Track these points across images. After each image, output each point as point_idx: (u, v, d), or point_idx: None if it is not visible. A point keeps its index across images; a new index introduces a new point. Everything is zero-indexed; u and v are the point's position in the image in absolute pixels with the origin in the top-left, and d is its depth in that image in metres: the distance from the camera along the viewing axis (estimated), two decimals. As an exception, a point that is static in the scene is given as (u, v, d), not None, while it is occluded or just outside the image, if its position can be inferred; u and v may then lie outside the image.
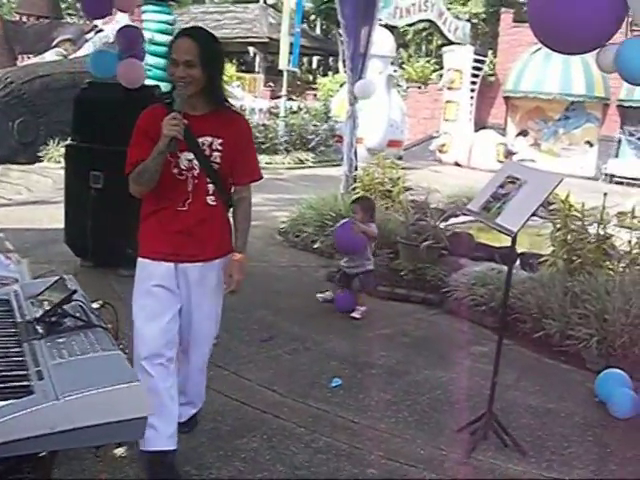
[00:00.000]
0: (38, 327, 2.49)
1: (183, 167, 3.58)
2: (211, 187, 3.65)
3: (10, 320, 2.65)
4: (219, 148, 3.61)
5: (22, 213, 10.73)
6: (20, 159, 15.81)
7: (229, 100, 3.84)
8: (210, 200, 3.66)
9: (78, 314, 2.53)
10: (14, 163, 15.70)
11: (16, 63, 21.69)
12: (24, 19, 28.49)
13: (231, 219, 3.87)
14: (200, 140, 3.59)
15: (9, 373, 2.20)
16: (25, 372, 2.20)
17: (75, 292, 2.56)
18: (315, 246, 8.78)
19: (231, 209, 3.85)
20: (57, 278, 2.77)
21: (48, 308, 2.51)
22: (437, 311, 6.95)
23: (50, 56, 20.41)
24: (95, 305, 2.70)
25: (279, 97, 22.15)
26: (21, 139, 16.09)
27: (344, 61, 10.78)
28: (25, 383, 2.13)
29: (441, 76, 24.30)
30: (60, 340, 2.36)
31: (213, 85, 3.60)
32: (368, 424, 4.45)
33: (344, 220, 6.78)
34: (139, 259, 3.72)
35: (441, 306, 7.00)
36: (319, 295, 6.78)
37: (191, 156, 3.58)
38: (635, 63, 4.06)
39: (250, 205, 3.87)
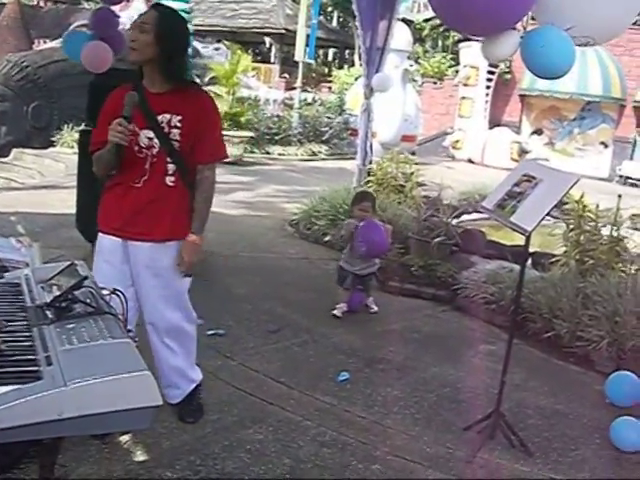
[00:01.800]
0: (48, 312, 2.47)
1: (143, 145, 3.58)
2: (171, 167, 3.63)
3: (20, 304, 2.63)
4: (178, 125, 3.58)
5: (34, 197, 10.76)
6: (34, 143, 15.87)
7: (194, 80, 3.81)
8: (169, 180, 3.63)
9: (88, 300, 2.50)
10: (27, 147, 15.76)
11: (32, 47, 21.71)
12: (41, 4, 28.55)
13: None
14: (159, 117, 3.57)
15: (18, 357, 2.18)
16: (34, 357, 2.18)
17: (86, 278, 2.53)
18: (326, 239, 8.75)
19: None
20: (68, 263, 2.74)
21: (58, 293, 2.49)
22: (447, 308, 6.92)
23: (66, 41, 20.40)
24: (105, 292, 2.68)
25: (294, 88, 22.12)
26: (35, 123, 16.13)
27: (360, 54, 10.72)
28: (34, 368, 2.10)
29: (457, 72, 24.20)
30: (70, 326, 2.34)
31: (170, 61, 3.56)
32: (374, 419, 4.44)
33: (368, 222, 6.25)
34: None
35: (451, 303, 6.98)
36: (335, 312, 6.32)
37: (151, 134, 3.57)
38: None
39: (212, 186, 3.76)
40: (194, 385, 4.13)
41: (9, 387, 2.00)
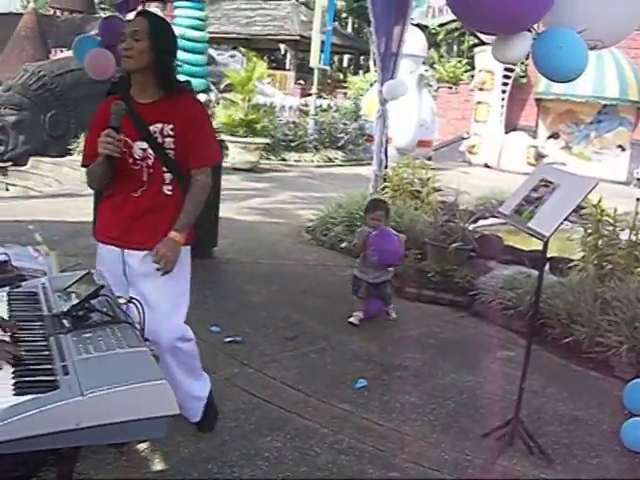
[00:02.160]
0: (65, 321, 2.48)
1: (137, 157, 3.55)
2: (168, 176, 3.59)
3: (37, 313, 2.64)
4: (171, 133, 3.55)
5: (51, 205, 10.83)
6: (51, 152, 16.00)
7: (188, 86, 3.79)
8: (167, 190, 3.61)
9: (105, 309, 2.51)
10: (45, 156, 15.87)
11: (49, 57, 21.88)
12: (58, 13, 28.74)
13: None
14: (151, 128, 3.54)
15: (35, 367, 2.19)
16: (51, 366, 2.19)
17: (102, 287, 2.54)
18: (342, 245, 8.73)
19: None
20: (85, 272, 2.75)
21: (75, 302, 2.50)
22: (464, 314, 6.88)
23: (83, 50, 20.52)
24: (121, 300, 2.68)
25: (309, 95, 22.14)
26: (52, 132, 16.26)
27: (375, 60, 10.70)
28: (51, 377, 2.12)
29: (472, 77, 24.15)
30: (86, 335, 2.34)
31: (163, 66, 3.54)
32: (392, 426, 4.41)
33: (381, 231, 6.18)
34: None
35: (468, 309, 6.93)
36: (352, 319, 6.26)
37: (145, 145, 3.54)
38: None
39: (203, 189, 3.67)
40: (203, 403, 4.02)
41: (27, 397, 2.01)
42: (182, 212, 3.61)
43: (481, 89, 22.69)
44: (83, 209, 8.87)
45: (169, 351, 3.76)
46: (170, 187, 3.61)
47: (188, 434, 4.00)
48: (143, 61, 3.47)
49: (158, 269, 3.56)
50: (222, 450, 3.91)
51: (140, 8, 6.98)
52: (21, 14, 26.10)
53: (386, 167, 10.23)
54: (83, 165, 3.62)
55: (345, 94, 27.43)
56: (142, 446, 3.77)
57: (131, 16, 7.42)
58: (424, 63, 21.53)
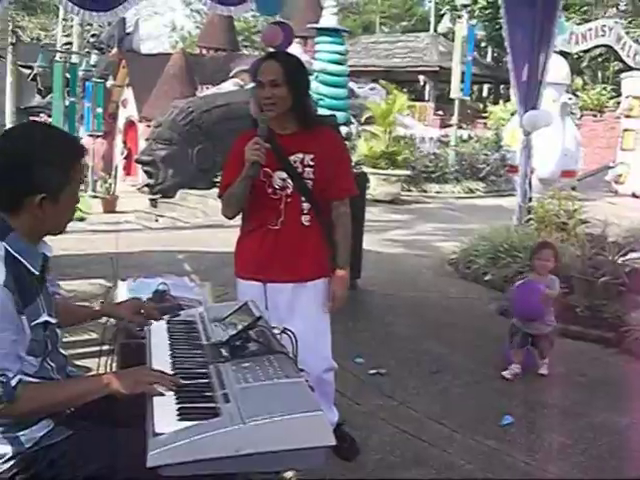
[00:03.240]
0: (222, 350, 2.56)
1: (277, 186, 3.61)
2: (306, 206, 3.64)
3: (196, 342, 2.75)
4: (311, 163, 3.60)
5: (198, 236, 11.23)
6: (198, 184, 16.56)
7: (330, 118, 3.83)
8: (305, 220, 3.65)
9: (261, 339, 2.59)
10: (192, 188, 16.46)
11: (196, 93, 22.78)
12: (204, 52, 29.95)
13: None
14: (291, 158, 3.60)
15: (197, 394, 2.28)
16: (212, 394, 2.27)
17: (260, 318, 2.62)
18: (486, 278, 8.58)
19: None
20: (242, 303, 2.85)
21: (233, 332, 2.58)
22: (614, 351, 6.57)
23: (227, 86, 21.29)
24: (276, 331, 2.76)
25: (449, 126, 22.04)
26: (199, 166, 16.86)
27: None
28: (212, 405, 2.19)
29: (618, 103, 23.37)
30: (245, 364, 2.41)
31: (301, 104, 3.61)
32: (540, 466, 4.28)
33: (527, 283, 5.85)
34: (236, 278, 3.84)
35: (619, 346, 6.62)
36: (505, 373, 5.62)
37: (284, 175, 3.60)
38: None
39: (349, 220, 3.76)
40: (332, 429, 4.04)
41: (190, 422, 2.09)
42: (339, 248, 3.71)
43: (628, 116, 21.88)
44: (228, 240, 9.08)
45: (315, 382, 3.81)
46: (308, 217, 3.66)
47: (333, 463, 4.01)
48: (285, 106, 3.56)
49: (331, 308, 3.74)
50: (367, 482, 3.92)
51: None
52: (170, 54, 27.39)
53: (530, 199, 10.01)
54: (219, 196, 3.73)
55: (485, 124, 27.16)
56: (289, 474, 3.83)
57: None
58: (567, 91, 20.99)
